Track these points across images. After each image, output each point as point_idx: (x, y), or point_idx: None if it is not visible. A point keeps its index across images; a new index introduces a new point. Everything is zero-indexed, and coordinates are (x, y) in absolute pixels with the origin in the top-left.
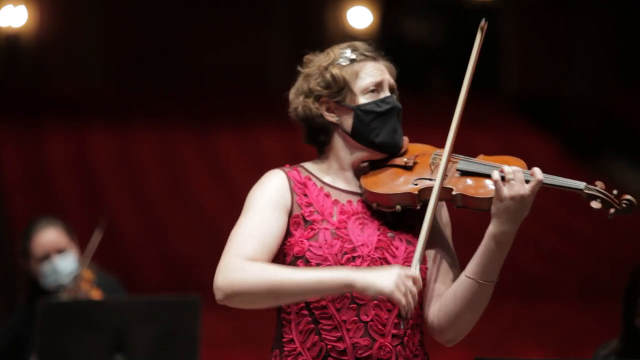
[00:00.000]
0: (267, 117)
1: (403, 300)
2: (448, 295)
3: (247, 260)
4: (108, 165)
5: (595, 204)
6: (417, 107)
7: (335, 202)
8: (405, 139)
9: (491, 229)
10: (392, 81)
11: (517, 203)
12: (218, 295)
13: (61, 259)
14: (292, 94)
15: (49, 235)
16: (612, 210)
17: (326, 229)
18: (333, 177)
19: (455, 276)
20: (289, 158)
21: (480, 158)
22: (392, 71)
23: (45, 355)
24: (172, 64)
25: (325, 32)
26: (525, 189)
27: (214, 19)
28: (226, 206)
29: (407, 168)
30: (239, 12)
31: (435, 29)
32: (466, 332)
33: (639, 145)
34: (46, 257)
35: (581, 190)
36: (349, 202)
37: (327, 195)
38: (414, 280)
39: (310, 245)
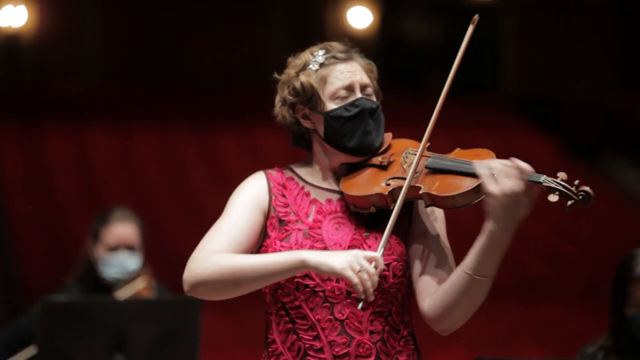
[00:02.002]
0: (267, 117)
1: (355, 279)
2: (444, 288)
3: (211, 252)
4: (108, 165)
5: (553, 197)
6: (417, 107)
7: (314, 201)
8: (388, 135)
9: (487, 225)
10: (365, 80)
11: (508, 201)
12: (185, 287)
13: (129, 255)
14: (276, 100)
15: (126, 229)
16: (569, 202)
17: (299, 229)
18: (316, 177)
19: (449, 270)
20: (289, 158)
21: (456, 153)
22: (370, 69)
23: (46, 355)
24: (172, 64)
25: (325, 32)
26: (516, 185)
27: (214, 19)
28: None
29: (382, 168)
30: (239, 12)
31: (435, 29)
32: (462, 322)
33: (639, 146)
34: (115, 248)
35: (540, 183)
36: (329, 201)
37: (307, 195)
38: (373, 261)
39: (282, 246)
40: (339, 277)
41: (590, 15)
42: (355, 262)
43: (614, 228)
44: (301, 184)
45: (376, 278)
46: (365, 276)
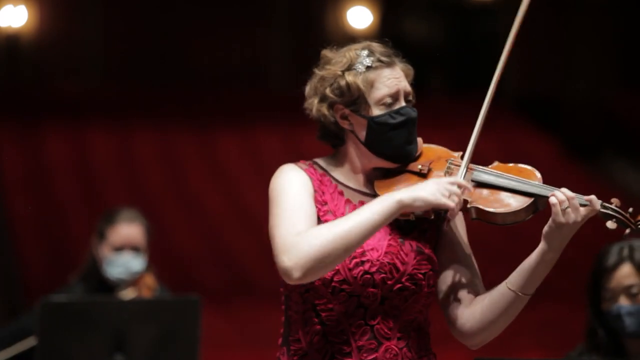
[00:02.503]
0: (267, 117)
1: (451, 204)
2: (484, 303)
3: (299, 234)
4: (108, 165)
5: (611, 224)
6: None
7: (348, 201)
8: (419, 140)
9: (541, 247)
10: (408, 88)
11: (569, 229)
12: (295, 275)
13: (134, 256)
14: (307, 91)
15: (132, 230)
16: (627, 231)
17: None
18: (347, 177)
19: (477, 283)
20: (289, 158)
21: (495, 166)
22: (409, 73)
23: (46, 355)
24: (172, 63)
25: (325, 32)
26: (580, 216)
27: (214, 19)
28: (226, 206)
29: (421, 175)
30: (239, 12)
31: (435, 29)
32: (493, 337)
33: (639, 146)
34: (120, 248)
35: (597, 210)
36: (361, 203)
37: (341, 194)
38: (459, 185)
39: None
40: (435, 207)
41: (590, 15)
42: (444, 189)
43: (614, 229)
44: (334, 182)
45: (462, 197)
46: (456, 199)
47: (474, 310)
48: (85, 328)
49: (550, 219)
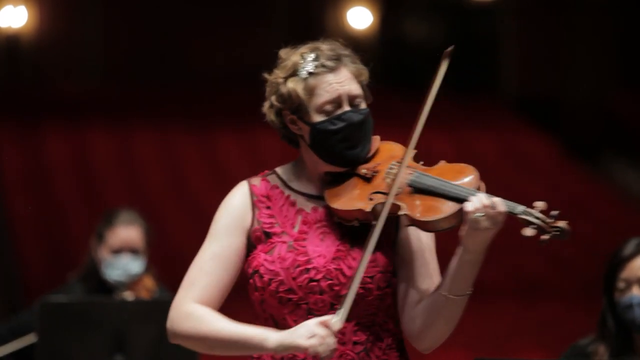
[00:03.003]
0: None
1: (304, 344)
2: (422, 306)
3: (193, 303)
4: (108, 165)
5: (528, 231)
6: (417, 107)
7: (300, 211)
8: (376, 138)
9: (460, 249)
10: (354, 91)
11: (482, 234)
12: (169, 335)
13: (132, 258)
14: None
15: (131, 232)
16: (543, 237)
17: (283, 242)
18: (302, 182)
19: (431, 286)
20: (288, 158)
21: (439, 168)
22: (358, 73)
23: (46, 356)
24: (172, 64)
25: (325, 33)
26: (493, 223)
27: (214, 19)
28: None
29: (366, 179)
30: (239, 12)
31: (435, 29)
32: (441, 341)
33: (639, 146)
34: (119, 250)
35: (515, 214)
36: (314, 209)
37: (292, 204)
38: (327, 325)
39: (265, 260)
40: (299, 352)
41: (590, 15)
42: (306, 331)
43: (613, 228)
44: (287, 192)
45: (331, 340)
46: (317, 341)
47: (414, 316)
48: (85, 328)
49: (466, 223)
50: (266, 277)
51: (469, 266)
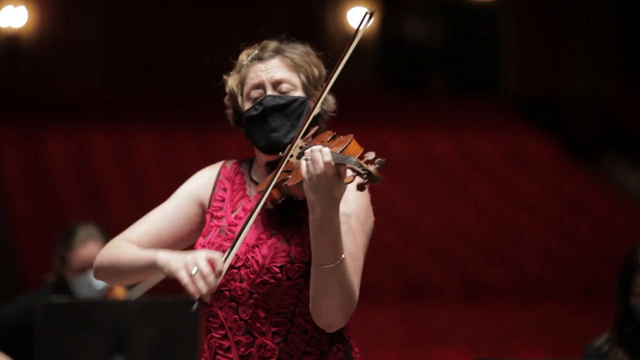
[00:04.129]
0: None
1: (185, 279)
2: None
3: (122, 240)
4: (108, 165)
5: (349, 178)
6: (417, 107)
7: (244, 197)
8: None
9: (310, 212)
10: (278, 76)
11: (313, 183)
12: (93, 271)
13: None
14: None
15: (90, 250)
16: (359, 181)
17: (218, 226)
18: (259, 171)
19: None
20: None
21: (338, 138)
22: (297, 63)
23: (46, 356)
24: (172, 64)
25: (326, 32)
26: (319, 168)
27: (213, 19)
28: None
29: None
30: (239, 12)
31: (435, 29)
32: (337, 317)
33: (639, 146)
34: (83, 270)
35: (338, 163)
36: (257, 196)
37: (243, 190)
38: (212, 262)
39: (199, 243)
40: (173, 277)
41: (590, 15)
42: (191, 263)
43: (613, 228)
44: (246, 178)
45: (211, 279)
46: (197, 276)
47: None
48: (85, 328)
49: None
50: None
51: (320, 233)
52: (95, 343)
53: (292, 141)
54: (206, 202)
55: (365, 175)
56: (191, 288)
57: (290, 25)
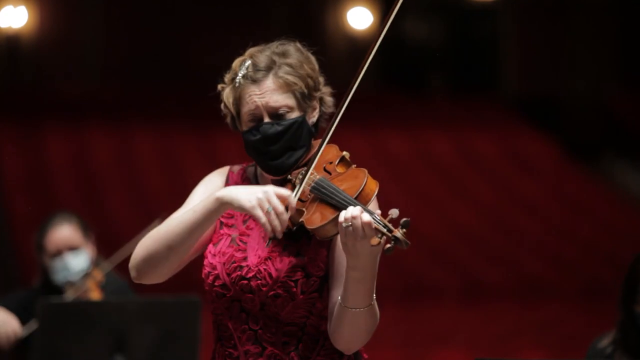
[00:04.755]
0: None
1: (262, 218)
2: (333, 314)
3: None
4: (108, 165)
5: (375, 240)
6: (417, 107)
7: None
8: (316, 143)
9: (347, 262)
10: (274, 103)
11: (355, 248)
12: (132, 274)
13: (73, 256)
14: None
15: (63, 232)
16: (387, 246)
17: (229, 235)
18: (266, 181)
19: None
20: None
21: (350, 170)
22: (290, 82)
23: (46, 356)
24: (172, 64)
25: (326, 33)
26: (360, 234)
27: (213, 19)
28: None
29: (293, 186)
30: (239, 12)
31: (435, 29)
32: (359, 345)
33: (639, 146)
34: (58, 253)
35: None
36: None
37: None
38: (284, 199)
39: (209, 252)
40: (248, 214)
41: (590, 15)
42: (264, 200)
43: (613, 228)
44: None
45: (285, 217)
46: (272, 215)
47: (330, 322)
48: (85, 328)
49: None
50: (206, 270)
51: (356, 283)
52: (95, 343)
53: (306, 172)
54: None
55: (393, 241)
56: (268, 227)
57: (290, 25)
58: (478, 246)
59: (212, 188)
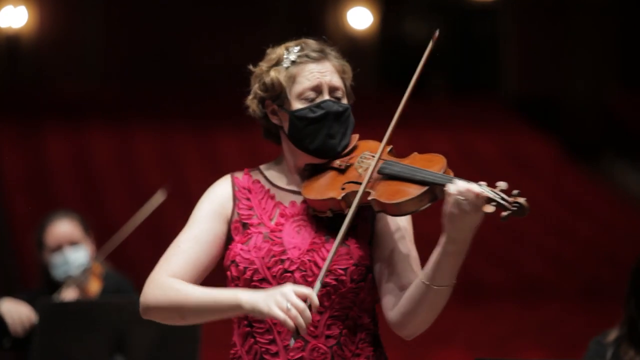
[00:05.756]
0: None
1: (282, 316)
2: (405, 296)
3: (167, 276)
4: (108, 165)
5: (489, 208)
6: (417, 107)
7: (278, 204)
8: (355, 136)
9: (443, 238)
10: (335, 82)
11: (462, 220)
12: (140, 309)
13: (73, 251)
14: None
15: (63, 227)
16: (504, 213)
17: (260, 232)
18: (282, 178)
19: (412, 275)
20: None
21: (411, 158)
22: (343, 70)
23: (46, 356)
24: (172, 64)
25: (325, 33)
26: (474, 209)
27: (213, 19)
28: None
29: (340, 171)
30: (238, 12)
31: (435, 29)
32: (425, 328)
33: (639, 146)
34: (58, 248)
35: (487, 195)
36: (292, 203)
37: (272, 198)
38: (305, 297)
39: (241, 249)
40: (270, 319)
41: (590, 15)
42: (283, 301)
43: (613, 228)
44: (267, 186)
45: (308, 313)
46: (294, 313)
47: (398, 304)
48: (85, 328)
49: (443, 210)
50: (241, 266)
51: (452, 257)
52: (95, 343)
53: (379, 152)
54: (229, 215)
55: (516, 208)
56: (290, 325)
57: (290, 25)
58: (478, 246)
59: (220, 200)
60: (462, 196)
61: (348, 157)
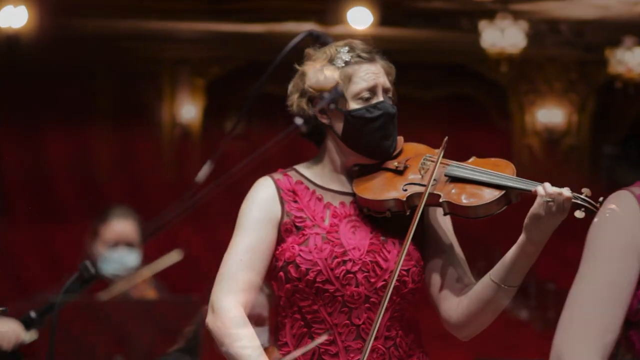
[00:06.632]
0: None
1: None
2: (470, 296)
3: (237, 304)
4: (108, 165)
5: (579, 213)
6: (417, 107)
7: (328, 205)
8: (400, 138)
9: (522, 239)
10: (387, 84)
11: (548, 222)
12: (206, 327)
13: (128, 252)
14: (289, 88)
15: (125, 226)
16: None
17: (317, 233)
18: (326, 178)
19: (464, 276)
20: (289, 158)
21: (472, 161)
22: (390, 71)
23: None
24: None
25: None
26: (562, 210)
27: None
28: (227, 206)
29: (398, 172)
30: None
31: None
32: (484, 328)
33: (639, 146)
34: (115, 244)
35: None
36: (342, 203)
37: (319, 199)
38: None
39: (301, 250)
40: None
41: None
42: None
43: None
44: (311, 187)
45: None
46: None
47: (460, 303)
48: (86, 328)
49: (530, 212)
50: (303, 267)
51: (528, 258)
52: (95, 343)
53: (440, 156)
54: (279, 218)
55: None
56: None
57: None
58: (478, 246)
59: (267, 208)
60: (551, 199)
61: (403, 159)
